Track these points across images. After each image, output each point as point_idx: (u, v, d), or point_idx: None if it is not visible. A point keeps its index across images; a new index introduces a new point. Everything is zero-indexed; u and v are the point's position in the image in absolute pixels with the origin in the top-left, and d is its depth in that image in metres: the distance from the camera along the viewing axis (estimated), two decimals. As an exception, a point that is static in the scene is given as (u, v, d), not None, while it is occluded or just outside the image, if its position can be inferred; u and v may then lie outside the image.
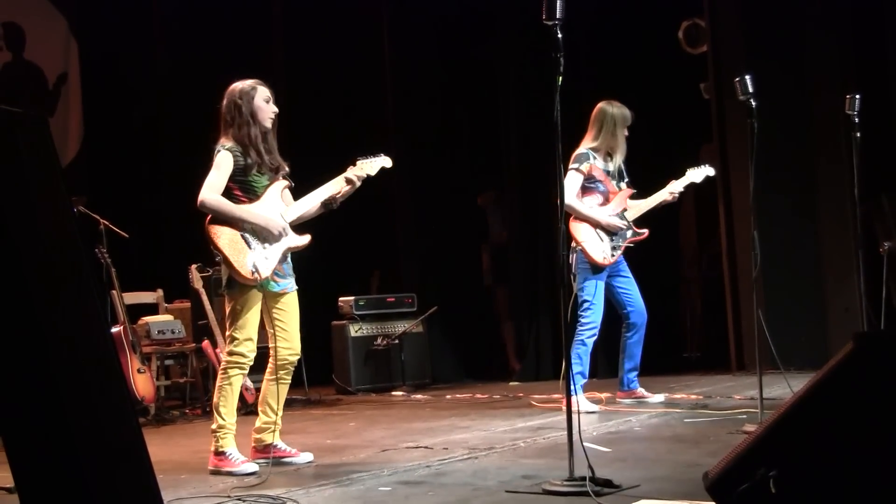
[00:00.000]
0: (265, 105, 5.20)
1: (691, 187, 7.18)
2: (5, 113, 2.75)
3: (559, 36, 4.30)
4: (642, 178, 7.15)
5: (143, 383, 7.26)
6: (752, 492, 3.03)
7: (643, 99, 8.13)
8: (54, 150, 2.90)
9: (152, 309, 8.55)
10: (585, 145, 6.85)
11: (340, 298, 9.25)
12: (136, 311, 8.22)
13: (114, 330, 7.22)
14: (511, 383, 9.15)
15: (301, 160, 5.76)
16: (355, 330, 9.11)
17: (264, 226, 5.09)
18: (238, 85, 5.20)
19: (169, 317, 8.31)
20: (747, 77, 5.54)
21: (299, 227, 5.27)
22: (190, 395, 8.35)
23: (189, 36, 10.43)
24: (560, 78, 4.29)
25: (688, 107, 9.39)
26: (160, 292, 8.68)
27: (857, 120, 6.44)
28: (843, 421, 3.00)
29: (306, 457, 5.22)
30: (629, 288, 6.92)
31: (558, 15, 4.29)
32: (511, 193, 9.90)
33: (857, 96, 6.46)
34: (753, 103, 5.53)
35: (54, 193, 2.85)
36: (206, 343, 7.62)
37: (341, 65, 10.33)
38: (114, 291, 7.43)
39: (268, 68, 10.33)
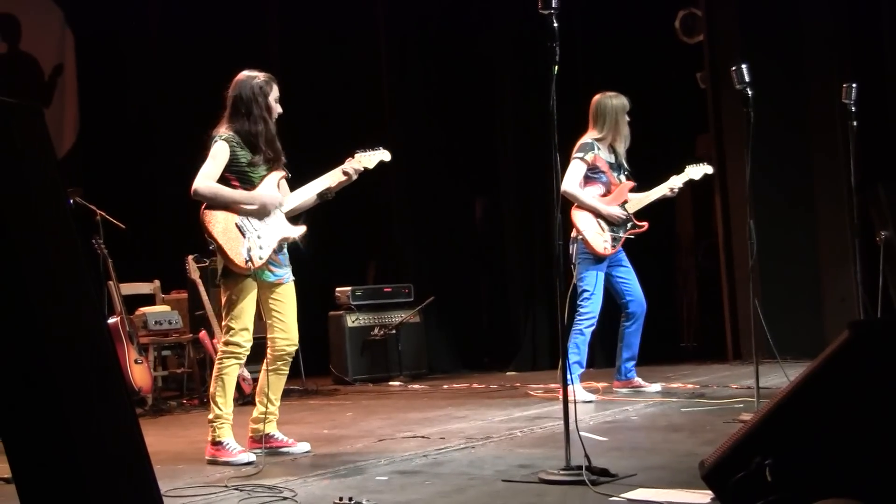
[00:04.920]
0: (275, 105, 5.20)
1: (689, 182, 7.19)
2: (1, 103, 2.75)
3: (555, 25, 4.30)
4: (639, 169, 7.15)
5: (140, 374, 7.26)
6: (749, 480, 3.04)
7: (639, 89, 8.10)
8: (50, 141, 2.89)
9: (149, 299, 8.55)
10: (590, 136, 6.85)
11: (337, 288, 9.25)
12: (133, 302, 8.22)
13: (111, 321, 7.23)
14: (508, 373, 9.17)
15: (296, 152, 5.75)
16: (352, 320, 9.11)
17: (262, 202, 5.06)
18: (254, 77, 5.16)
19: (166, 307, 8.31)
20: (743, 66, 5.54)
21: (295, 218, 5.27)
22: (187, 385, 8.34)
23: (185, 27, 10.40)
24: (556, 67, 4.29)
25: (684, 96, 9.39)
26: (157, 283, 8.68)
27: (853, 109, 6.44)
28: (838, 409, 3.01)
29: (303, 447, 5.22)
30: (628, 278, 6.93)
31: (554, 4, 4.28)
32: (507, 184, 9.89)
33: (854, 85, 6.46)
34: (750, 92, 5.53)
35: (50, 184, 2.85)
36: (203, 333, 7.63)
37: (337, 57, 10.31)
38: (110, 282, 7.43)
39: (264, 60, 10.30)
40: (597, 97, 6.91)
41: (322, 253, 9.62)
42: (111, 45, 10.60)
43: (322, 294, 9.24)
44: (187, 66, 10.12)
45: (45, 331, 2.67)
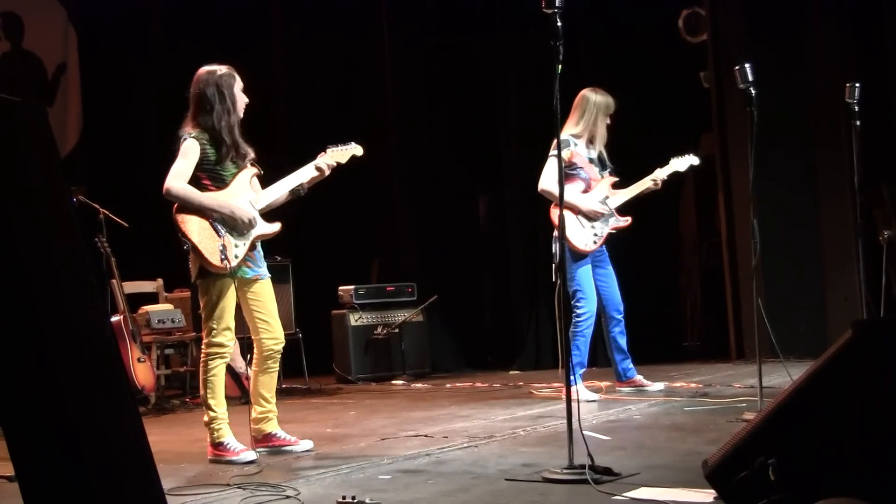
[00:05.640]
0: (240, 94, 5.19)
1: (685, 175, 7.16)
2: (4, 102, 2.75)
3: (559, 24, 4.30)
4: (641, 168, 7.14)
5: (143, 372, 7.26)
6: (752, 479, 3.04)
7: (643, 88, 8.12)
8: (53, 140, 2.89)
9: (152, 298, 8.55)
10: (567, 131, 6.81)
11: (340, 287, 9.25)
12: (136, 301, 8.22)
13: (114, 319, 7.23)
14: (511, 372, 9.16)
15: (298, 150, 5.75)
16: (355, 319, 9.11)
17: (230, 215, 5.03)
18: (215, 71, 5.17)
19: (169, 306, 8.31)
20: (747, 65, 5.53)
21: (269, 214, 5.23)
22: (190, 384, 8.34)
23: (188, 26, 10.40)
24: (559, 66, 4.29)
25: (687, 96, 9.38)
26: (160, 281, 8.67)
27: (856, 108, 6.43)
28: (842, 408, 3.00)
29: (306, 445, 5.22)
30: (607, 281, 6.90)
31: (557, 3, 4.28)
32: (510, 183, 9.89)
33: (857, 84, 6.45)
34: (753, 92, 5.52)
35: (53, 183, 2.84)
36: (206, 332, 7.62)
37: (340, 57, 10.30)
38: (114, 281, 7.43)
39: (267, 59, 10.33)
40: (583, 91, 6.88)
41: (325, 252, 9.64)
42: (114, 43, 10.59)
43: (325, 293, 9.23)
44: (191, 65, 10.05)
45: (48, 330, 2.67)
